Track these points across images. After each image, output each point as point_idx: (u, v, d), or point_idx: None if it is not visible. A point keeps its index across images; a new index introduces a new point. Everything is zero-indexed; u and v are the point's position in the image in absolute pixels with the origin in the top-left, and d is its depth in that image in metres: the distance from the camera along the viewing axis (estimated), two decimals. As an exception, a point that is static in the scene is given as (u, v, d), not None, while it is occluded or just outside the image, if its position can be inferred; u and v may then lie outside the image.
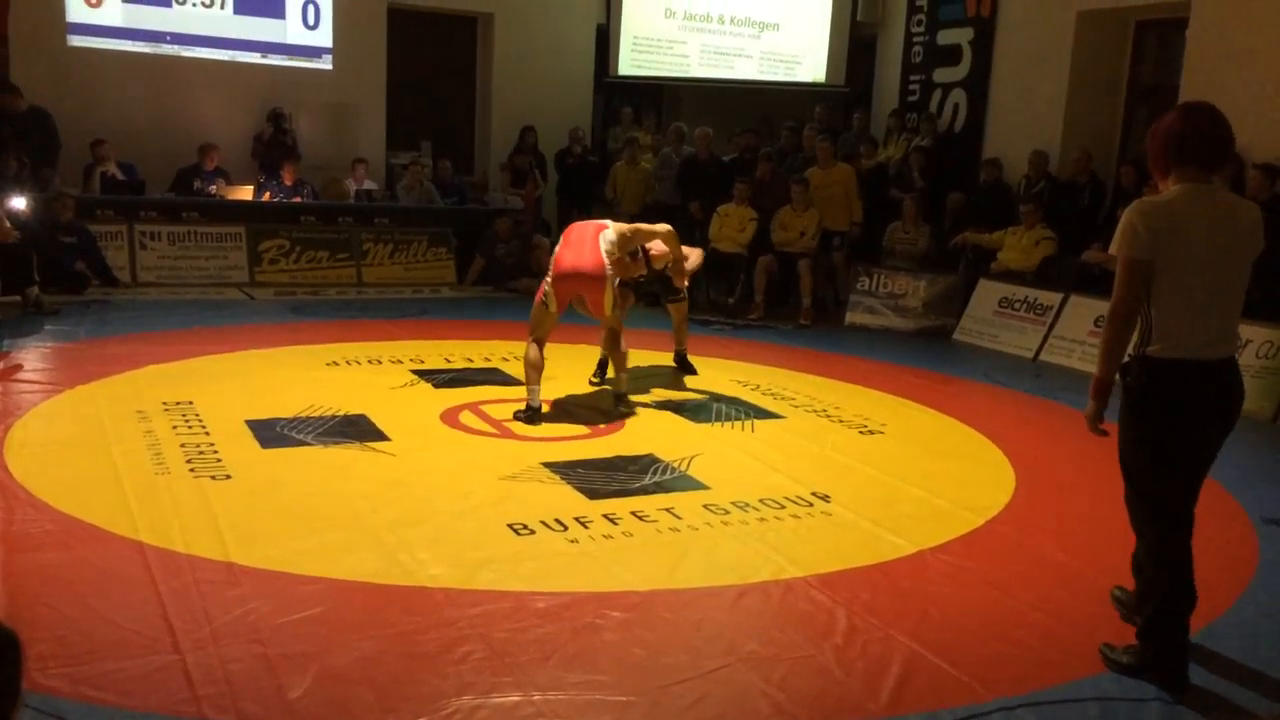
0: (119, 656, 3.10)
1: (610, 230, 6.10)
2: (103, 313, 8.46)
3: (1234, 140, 3.24)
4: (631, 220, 10.64)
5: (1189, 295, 3.13)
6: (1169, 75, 9.75)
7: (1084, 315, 8.54)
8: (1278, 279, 7.43)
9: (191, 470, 4.75)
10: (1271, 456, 6.40)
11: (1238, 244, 3.20)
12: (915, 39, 11.91)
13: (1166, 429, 3.19)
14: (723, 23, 12.85)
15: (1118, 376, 3.26)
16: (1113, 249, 3.22)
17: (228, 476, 4.70)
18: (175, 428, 5.38)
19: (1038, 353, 8.75)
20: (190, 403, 5.83)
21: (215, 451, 5.03)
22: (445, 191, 11.69)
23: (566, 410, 6.20)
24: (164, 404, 5.78)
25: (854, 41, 12.76)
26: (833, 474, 5.25)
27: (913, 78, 11.95)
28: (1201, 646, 3.56)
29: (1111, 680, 3.30)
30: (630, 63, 12.86)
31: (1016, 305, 9.16)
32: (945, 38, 11.54)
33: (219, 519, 4.17)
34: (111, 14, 10.89)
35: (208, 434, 5.30)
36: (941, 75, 11.58)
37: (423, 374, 6.89)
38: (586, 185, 11.85)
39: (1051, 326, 8.76)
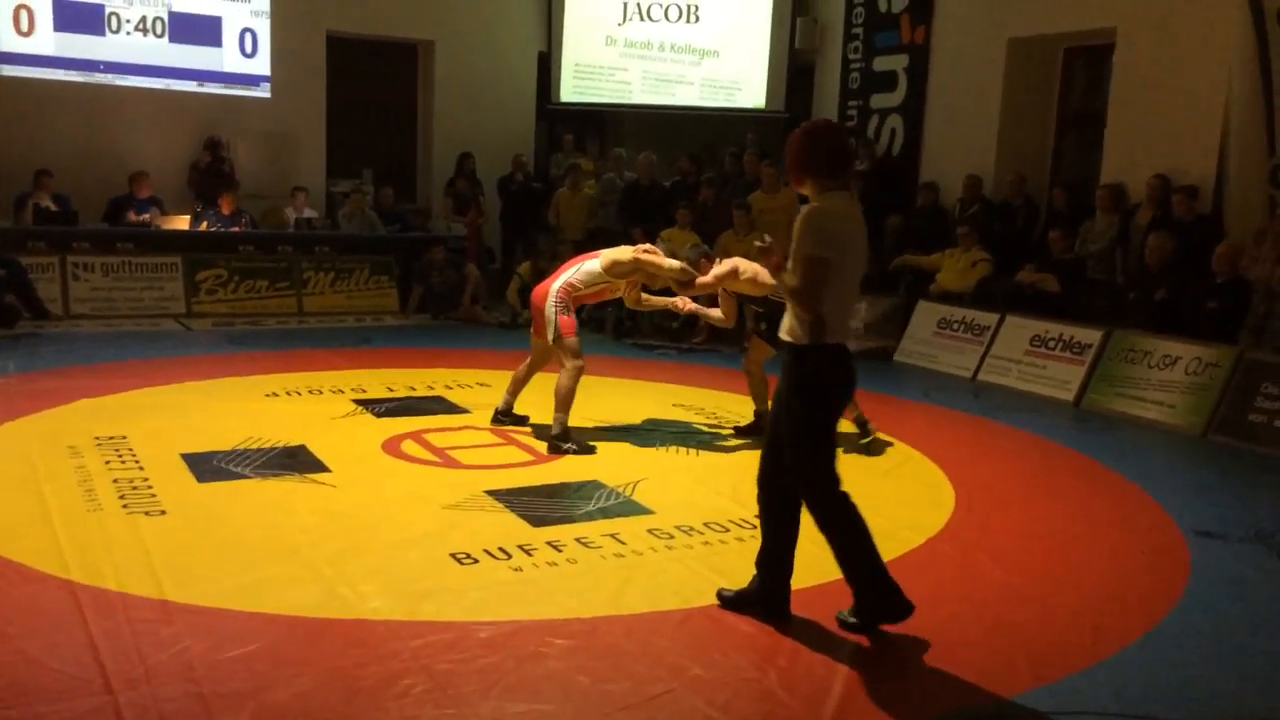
0: (50, 699, 3.01)
1: (598, 260, 6.19)
2: (33, 346, 8.28)
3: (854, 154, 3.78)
4: (576, 248, 10.73)
5: (847, 289, 3.67)
6: (1096, 100, 10.01)
7: (1020, 335, 8.70)
8: (1205, 297, 7.65)
9: (125, 506, 4.65)
10: (1202, 470, 6.55)
11: (865, 246, 3.77)
12: (852, 65, 12.12)
13: (827, 402, 3.70)
14: (663, 50, 12.98)
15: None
16: (801, 249, 3.57)
17: (162, 512, 4.61)
18: (108, 463, 5.27)
19: (976, 372, 8.89)
20: (124, 437, 5.72)
21: (149, 487, 4.94)
22: (387, 219, 11.63)
23: (509, 437, 6.18)
24: (96, 439, 5.66)
25: (793, 68, 12.95)
26: (776, 496, 5.26)
27: (851, 103, 12.14)
28: (1137, 658, 3.63)
29: (1050, 694, 3.34)
30: (572, 89, 12.93)
31: (955, 326, 9.31)
32: (881, 64, 11.75)
33: (153, 556, 4.09)
34: (43, 43, 10.72)
35: (141, 469, 5.20)
36: (878, 101, 11.77)
37: (364, 403, 6.82)
38: (530, 212, 11.85)
39: (989, 346, 8.91)
